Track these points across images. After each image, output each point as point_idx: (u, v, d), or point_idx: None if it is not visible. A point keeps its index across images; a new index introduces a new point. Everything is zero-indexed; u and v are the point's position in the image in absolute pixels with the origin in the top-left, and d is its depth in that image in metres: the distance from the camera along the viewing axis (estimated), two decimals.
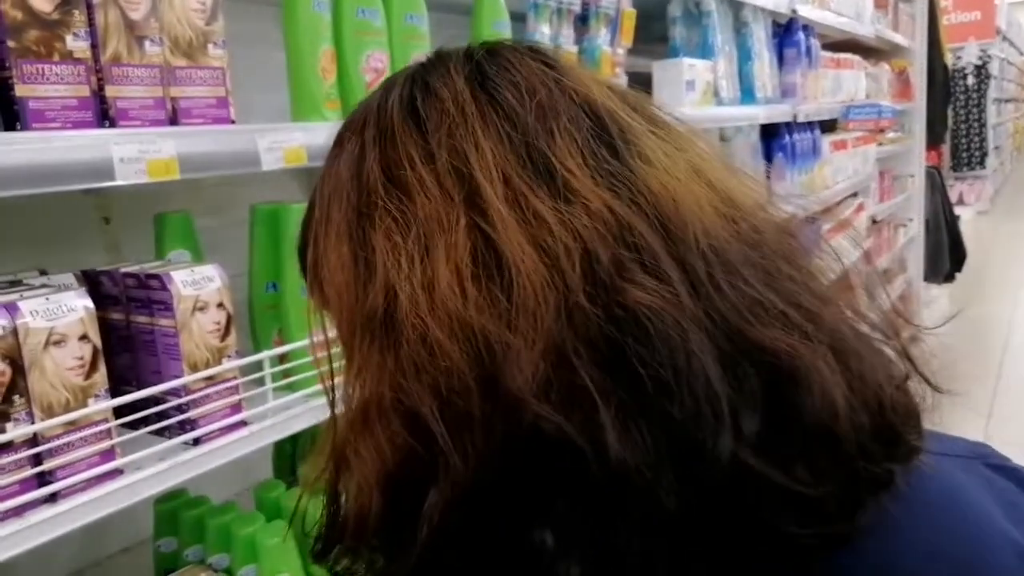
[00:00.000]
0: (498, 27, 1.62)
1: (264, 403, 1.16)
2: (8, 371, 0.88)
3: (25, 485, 0.90)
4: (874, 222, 4.37)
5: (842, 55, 3.75)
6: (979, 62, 9.76)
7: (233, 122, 1.12)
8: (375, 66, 1.34)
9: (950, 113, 7.16)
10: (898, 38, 4.66)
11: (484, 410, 0.47)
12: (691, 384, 0.44)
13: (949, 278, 5.78)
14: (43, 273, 1.12)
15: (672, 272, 0.48)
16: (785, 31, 3.05)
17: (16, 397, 0.89)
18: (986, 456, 0.56)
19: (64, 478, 0.93)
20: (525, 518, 0.46)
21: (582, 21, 1.97)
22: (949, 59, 6.43)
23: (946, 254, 5.66)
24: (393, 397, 0.49)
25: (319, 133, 1.20)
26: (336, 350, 0.59)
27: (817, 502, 0.45)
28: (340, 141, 0.61)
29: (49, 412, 0.92)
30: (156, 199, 1.32)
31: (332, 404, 0.58)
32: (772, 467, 0.44)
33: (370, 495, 0.50)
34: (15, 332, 0.89)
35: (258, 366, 1.17)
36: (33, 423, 0.90)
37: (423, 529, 0.47)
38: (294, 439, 1.43)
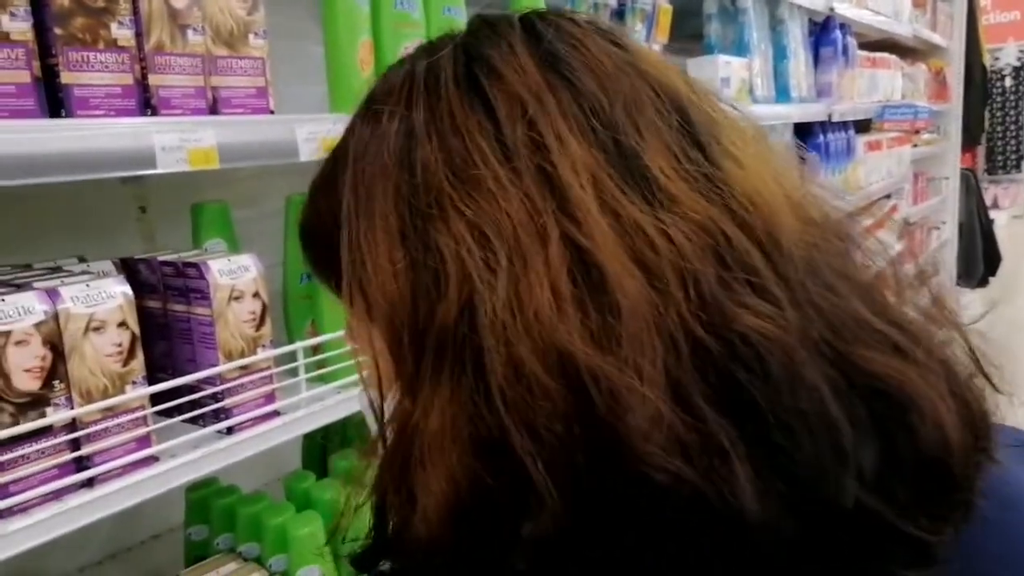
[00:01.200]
0: None
1: (297, 394, 1.16)
2: (49, 356, 0.89)
3: (64, 469, 0.91)
4: (907, 224, 4.31)
5: (878, 54, 3.69)
6: (1018, 63, 9.58)
7: (272, 112, 1.12)
8: None
9: (986, 115, 7.04)
10: (936, 38, 4.59)
11: (593, 457, 0.41)
12: (812, 423, 0.40)
13: (982, 282, 5.68)
14: (82, 260, 1.13)
15: (778, 292, 0.43)
16: (821, 29, 3.01)
17: (56, 382, 0.89)
18: None
19: (101, 463, 0.94)
20: (628, 563, 0.42)
21: (618, 16, 1.95)
22: (987, 60, 6.31)
23: (980, 258, 5.57)
24: (473, 430, 0.44)
25: None
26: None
27: (933, 546, 0.41)
28: (376, 116, 0.52)
29: (88, 398, 0.92)
30: (192, 189, 1.32)
31: (381, 421, 0.52)
32: (892, 509, 0.40)
33: (438, 525, 0.45)
34: (56, 317, 0.89)
35: (292, 356, 1.17)
36: (72, 408, 0.91)
37: (518, 562, 0.42)
38: (324, 430, 1.43)
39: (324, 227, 0.55)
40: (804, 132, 2.98)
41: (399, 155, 0.49)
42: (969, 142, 5.47)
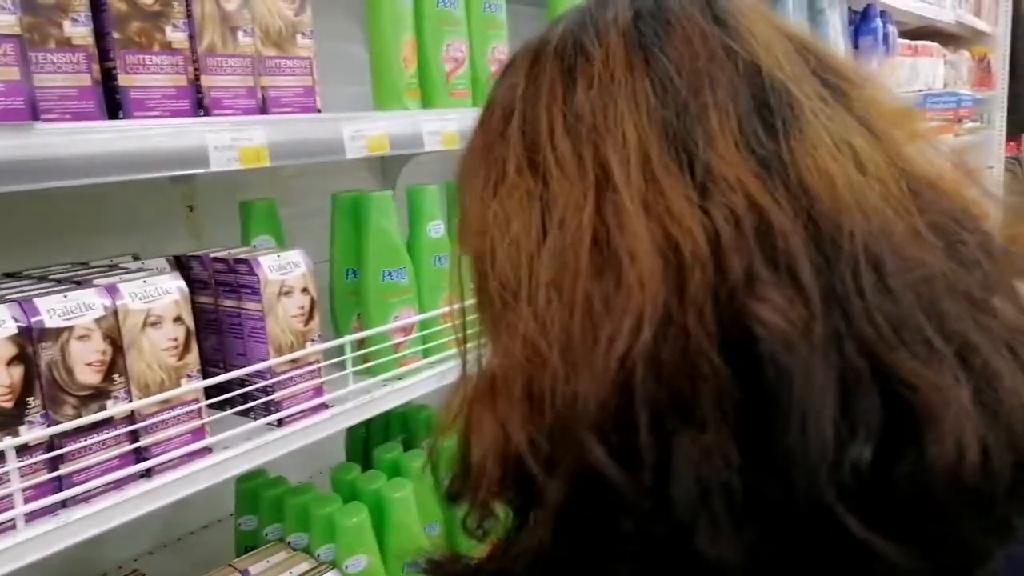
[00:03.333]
0: None
1: (344, 387, 1.18)
2: (109, 350, 0.91)
3: (123, 460, 0.94)
4: None
5: (920, 42, 3.63)
6: None
7: (319, 111, 1.14)
8: (455, 55, 1.35)
9: None
10: (980, 24, 4.49)
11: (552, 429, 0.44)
12: (801, 425, 0.39)
13: None
14: (136, 258, 1.16)
15: (811, 284, 0.41)
16: (861, 18, 2.97)
17: (116, 376, 0.92)
18: None
19: (159, 454, 0.97)
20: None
21: None
22: None
23: None
24: (511, 376, 0.47)
25: (401, 122, 1.22)
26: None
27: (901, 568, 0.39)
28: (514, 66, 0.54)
29: (146, 391, 0.95)
30: (237, 188, 1.35)
31: (464, 362, 0.55)
32: (865, 520, 0.38)
33: (484, 465, 0.47)
34: (115, 313, 0.92)
35: (339, 350, 1.19)
36: (131, 401, 0.94)
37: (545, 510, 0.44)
38: (367, 423, 1.46)
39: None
40: None
41: (501, 117, 0.54)
42: (1016, 130, 5.34)
